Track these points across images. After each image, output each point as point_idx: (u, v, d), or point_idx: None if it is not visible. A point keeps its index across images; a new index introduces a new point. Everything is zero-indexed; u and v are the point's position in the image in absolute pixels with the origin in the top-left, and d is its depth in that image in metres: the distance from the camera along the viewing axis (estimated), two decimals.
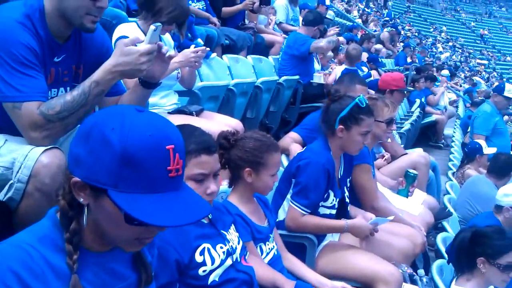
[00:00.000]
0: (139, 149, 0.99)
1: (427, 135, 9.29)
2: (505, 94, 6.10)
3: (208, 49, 2.90)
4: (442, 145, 9.07)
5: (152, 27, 1.75)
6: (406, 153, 4.41)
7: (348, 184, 2.90)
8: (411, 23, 37.96)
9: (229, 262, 1.75)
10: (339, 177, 2.76)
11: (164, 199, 1.01)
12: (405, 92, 4.42)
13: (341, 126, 2.61)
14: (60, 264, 1.05)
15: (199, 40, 4.27)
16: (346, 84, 3.60)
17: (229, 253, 1.77)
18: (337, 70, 5.70)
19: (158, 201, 1.01)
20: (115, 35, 2.82)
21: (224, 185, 2.34)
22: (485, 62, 36.58)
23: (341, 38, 6.84)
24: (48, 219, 1.11)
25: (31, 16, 1.79)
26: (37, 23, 1.80)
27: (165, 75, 2.60)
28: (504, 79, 29.01)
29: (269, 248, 2.22)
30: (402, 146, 5.30)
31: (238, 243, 1.88)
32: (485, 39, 44.74)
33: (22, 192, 1.60)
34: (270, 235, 2.25)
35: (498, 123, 6.15)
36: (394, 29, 14.64)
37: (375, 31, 14.80)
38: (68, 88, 1.93)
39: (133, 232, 1.05)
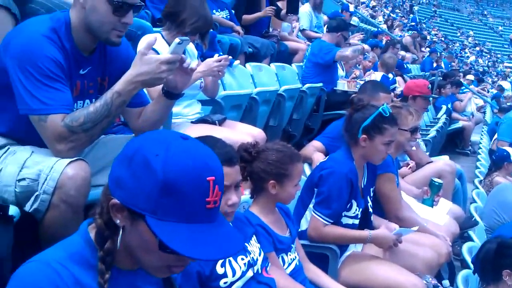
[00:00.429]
0: (181, 178, 1.00)
1: (454, 142, 9.16)
2: None
3: (230, 57, 2.92)
4: (469, 152, 8.92)
5: (177, 40, 1.76)
6: (431, 161, 4.34)
7: (372, 194, 2.88)
8: (438, 28, 37.50)
9: (250, 273, 1.75)
10: (362, 186, 2.74)
11: (200, 230, 1.02)
12: (429, 98, 4.35)
13: (364, 136, 2.59)
14: (89, 282, 1.06)
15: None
16: (370, 92, 3.57)
17: (250, 265, 1.77)
18: (376, 77, 5.64)
19: (194, 232, 1.01)
20: (139, 46, 2.86)
21: (246, 195, 2.35)
22: None
23: (366, 46, 6.79)
24: (79, 235, 1.12)
25: (57, 30, 1.83)
26: (63, 36, 1.84)
27: (187, 86, 2.64)
28: None
29: (291, 259, 2.21)
30: (428, 153, 5.23)
31: (259, 255, 1.88)
32: None
33: (48, 204, 1.63)
34: (292, 245, 2.25)
35: None
36: (415, 32, 14.46)
37: (401, 36, 14.68)
38: (93, 100, 1.96)
39: (165, 259, 1.06)
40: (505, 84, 19.07)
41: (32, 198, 1.65)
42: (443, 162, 4.31)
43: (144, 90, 2.14)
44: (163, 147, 1.03)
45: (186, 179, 1.00)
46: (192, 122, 2.96)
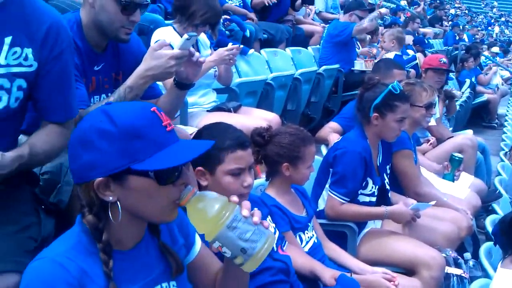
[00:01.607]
0: (133, 120, 1.11)
1: (480, 116, 9.01)
2: None
3: (241, 46, 2.98)
4: (496, 125, 8.77)
5: (186, 36, 1.84)
6: (452, 136, 4.32)
7: (388, 171, 2.90)
8: (461, 1, 36.54)
9: None
10: (378, 164, 2.77)
11: (175, 147, 1.14)
12: (442, 72, 4.27)
13: (375, 114, 2.62)
14: (93, 268, 1.12)
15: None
16: (383, 70, 3.57)
17: None
18: (389, 55, 5.58)
19: (172, 150, 1.13)
20: (153, 40, 2.94)
21: (263, 178, 2.42)
22: None
23: (383, 10, 6.61)
24: (77, 225, 1.18)
25: (70, 29, 1.91)
26: (75, 35, 1.92)
27: (199, 76, 2.71)
28: None
29: (308, 237, 2.27)
30: (451, 128, 5.20)
31: (274, 233, 1.95)
32: None
33: (70, 194, 1.73)
34: (309, 224, 2.31)
35: None
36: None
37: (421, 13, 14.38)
38: (109, 95, 2.05)
39: (167, 196, 1.14)
40: None
41: (56, 190, 1.75)
42: (463, 136, 4.28)
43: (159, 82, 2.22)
44: (100, 114, 1.13)
45: (137, 118, 1.12)
46: (207, 111, 3.03)
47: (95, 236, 1.14)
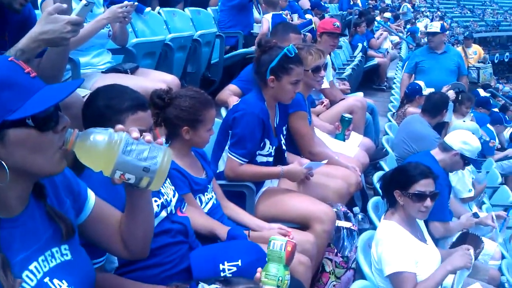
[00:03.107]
0: None
1: (371, 79, 9.52)
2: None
3: (136, 3, 2.87)
4: (385, 88, 9.32)
5: (84, 1, 1.80)
6: (344, 98, 4.54)
7: (285, 132, 3.01)
8: None
9: (163, 214, 1.83)
10: (275, 125, 2.86)
11: (44, 91, 1.11)
12: (335, 35, 4.44)
13: (271, 77, 2.68)
14: None
15: None
16: (280, 34, 3.64)
17: (164, 206, 1.85)
18: (267, 18, 5.61)
19: (43, 94, 1.10)
20: (44, 5, 2.74)
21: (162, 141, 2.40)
22: None
23: None
24: None
25: None
26: None
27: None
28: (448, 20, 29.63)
29: (208, 198, 2.31)
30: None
31: (174, 196, 1.96)
32: None
33: None
34: (209, 186, 2.35)
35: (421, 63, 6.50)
36: None
37: None
38: None
39: (51, 144, 1.12)
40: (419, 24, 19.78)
41: None
42: (353, 98, 4.51)
43: None
44: None
45: None
46: (102, 72, 2.92)
47: None
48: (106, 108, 1.68)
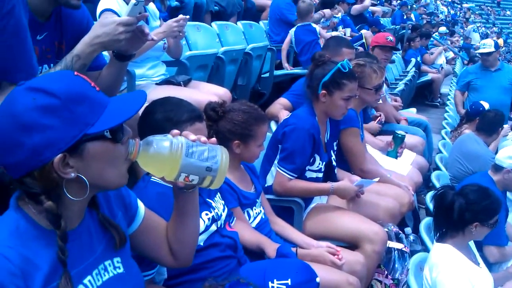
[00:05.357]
0: (70, 86, 1.08)
1: (423, 94, 9.31)
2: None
3: (188, 17, 2.91)
4: (438, 104, 9.10)
5: (133, 1, 1.78)
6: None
7: (335, 148, 2.96)
8: None
9: (213, 228, 1.83)
10: (325, 141, 2.82)
11: (112, 104, 1.13)
12: (389, 50, 4.35)
13: (323, 91, 2.65)
14: (37, 253, 1.05)
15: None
16: (332, 48, 3.61)
17: (214, 220, 1.84)
18: (291, 31, 5.48)
19: (112, 107, 1.12)
20: (99, 8, 2.83)
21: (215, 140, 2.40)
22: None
23: None
24: (14, 211, 1.10)
25: None
26: None
27: (145, 49, 2.64)
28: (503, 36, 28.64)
29: (256, 213, 2.30)
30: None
31: (223, 210, 1.96)
32: None
33: None
34: (257, 200, 2.33)
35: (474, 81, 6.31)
36: None
37: None
38: (51, 65, 1.97)
39: (122, 156, 1.14)
40: (474, 35, 19.22)
41: None
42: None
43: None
44: (26, 92, 1.06)
45: (71, 84, 1.09)
46: (156, 84, 2.97)
47: (53, 222, 1.07)
48: (165, 121, 1.71)
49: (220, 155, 1.21)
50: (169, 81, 3.00)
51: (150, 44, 2.74)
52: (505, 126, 5.02)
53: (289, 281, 1.74)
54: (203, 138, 1.22)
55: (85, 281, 1.14)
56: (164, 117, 1.73)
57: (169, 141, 1.18)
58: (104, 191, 1.22)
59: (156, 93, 2.62)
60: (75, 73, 1.13)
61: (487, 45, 6.35)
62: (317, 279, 1.79)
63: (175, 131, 1.22)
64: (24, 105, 1.04)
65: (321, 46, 4.77)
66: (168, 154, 1.17)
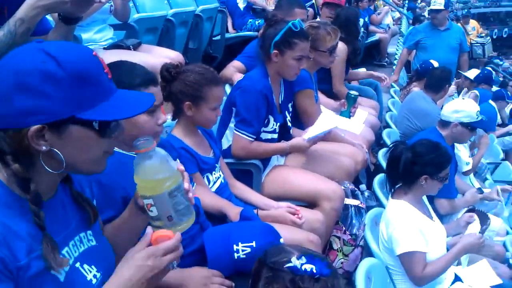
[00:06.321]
0: (80, 64, 1.03)
1: (371, 54, 9.42)
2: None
3: None
4: (385, 63, 9.23)
5: None
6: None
7: (290, 109, 2.97)
8: None
9: None
10: (280, 102, 2.81)
11: (118, 97, 1.08)
12: (333, 5, 4.35)
13: (275, 51, 2.62)
14: (16, 221, 1.02)
15: None
16: (285, 8, 3.57)
17: None
18: None
19: (116, 100, 1.07)
20: None
21: (168, 118, 2.36)
22: None
23: None
24: None
25: None
26: None
27: (91, 12, 2.52)
28: None
29: (215, 177, 2.28)
30: None
31: None
32: None
33: None
34: (216, 165, 2.31)
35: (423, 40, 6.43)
36: None
37: None
38: None
39: (102, 147, 1.10)
40: None
41: None
42: None
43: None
44: (40, 53, 1.01)
45: (84, 62, 1.04)
46: (104, 48, 2.86)
47: (22, 186, 1.04)
48: (118, 84, 1.64)
49: (187, 219, 1.19)
50: (118, 45, 2.89)
51: (96, 6, 2.61)
52: (452, 85, 5.16)
53: (253, 243, 1.75)
54: (191, 195, 1.20)
55: (64, 251, 1.12)
56: (117, 80, 1.65)
57: (170, 173, 1.15)
58: (77, 173, 1.18)
59: (105, 58, 2.51)
60: (94, 53, 1.07)
61: (437, 3, 6.45)
62: (281, 240, 1.81)
63: (182, 168, 1.20)
64: (31, 65, 1.00)
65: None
66: (159, 178, 1.14)
